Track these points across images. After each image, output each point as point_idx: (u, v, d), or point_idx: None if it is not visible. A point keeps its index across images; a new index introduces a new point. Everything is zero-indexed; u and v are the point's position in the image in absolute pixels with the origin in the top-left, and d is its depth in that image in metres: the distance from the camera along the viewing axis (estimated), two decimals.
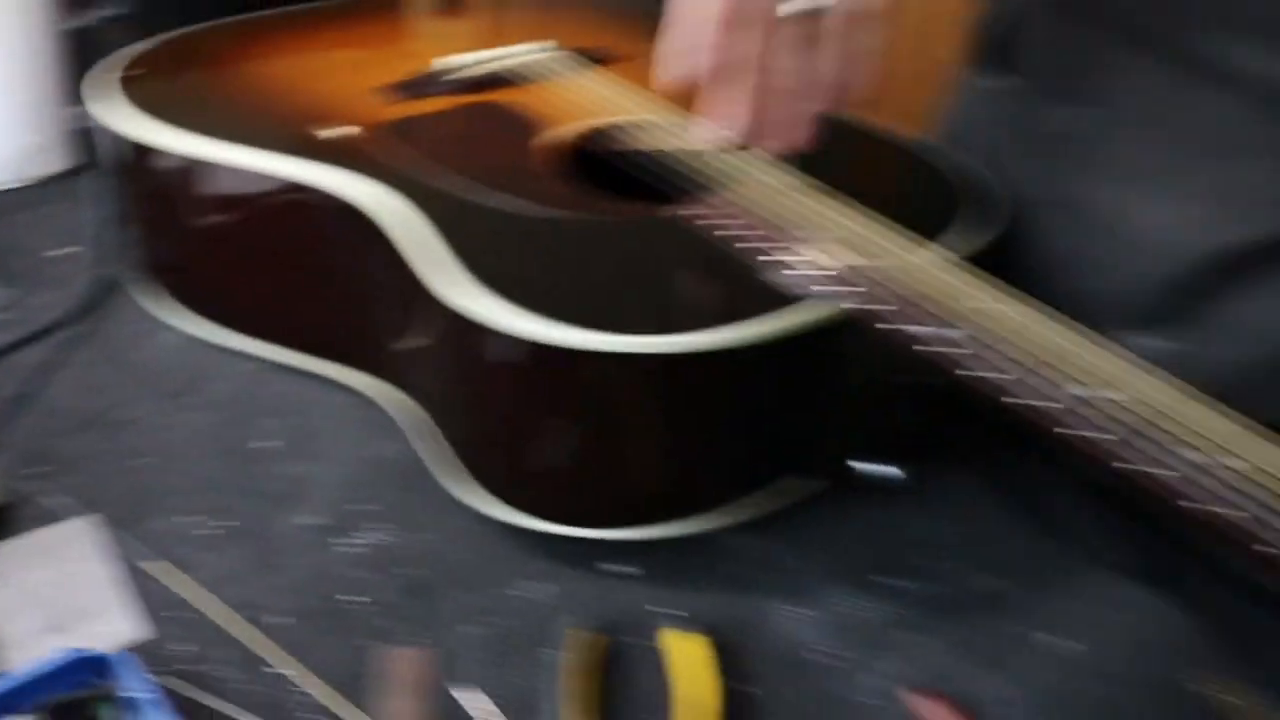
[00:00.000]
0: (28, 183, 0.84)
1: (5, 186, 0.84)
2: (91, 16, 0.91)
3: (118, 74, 0.69)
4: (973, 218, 0.57)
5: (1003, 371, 0.43)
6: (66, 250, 0.76)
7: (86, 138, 0.86)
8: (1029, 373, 0.42)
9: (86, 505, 0.55)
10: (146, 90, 0.66)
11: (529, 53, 0.71)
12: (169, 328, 0.68)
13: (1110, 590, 0.54)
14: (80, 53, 0.87)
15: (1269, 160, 0.53)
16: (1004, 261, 0.62)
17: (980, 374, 0.43)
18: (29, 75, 0.83)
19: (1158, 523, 0.44)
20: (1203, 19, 0.54)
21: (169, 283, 0.68)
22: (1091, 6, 0.60)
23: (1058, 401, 0.41)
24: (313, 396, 0.63)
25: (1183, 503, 0.37)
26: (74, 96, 0.86)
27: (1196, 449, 0.38)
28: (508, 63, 0.70)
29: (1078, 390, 0.41)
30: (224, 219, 0.62)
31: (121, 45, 0.88)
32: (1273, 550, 0.35)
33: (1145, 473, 0.38)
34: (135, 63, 0.71)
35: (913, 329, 0.45)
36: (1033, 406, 0.41)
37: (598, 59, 0.71)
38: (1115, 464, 0.39)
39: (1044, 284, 0.62)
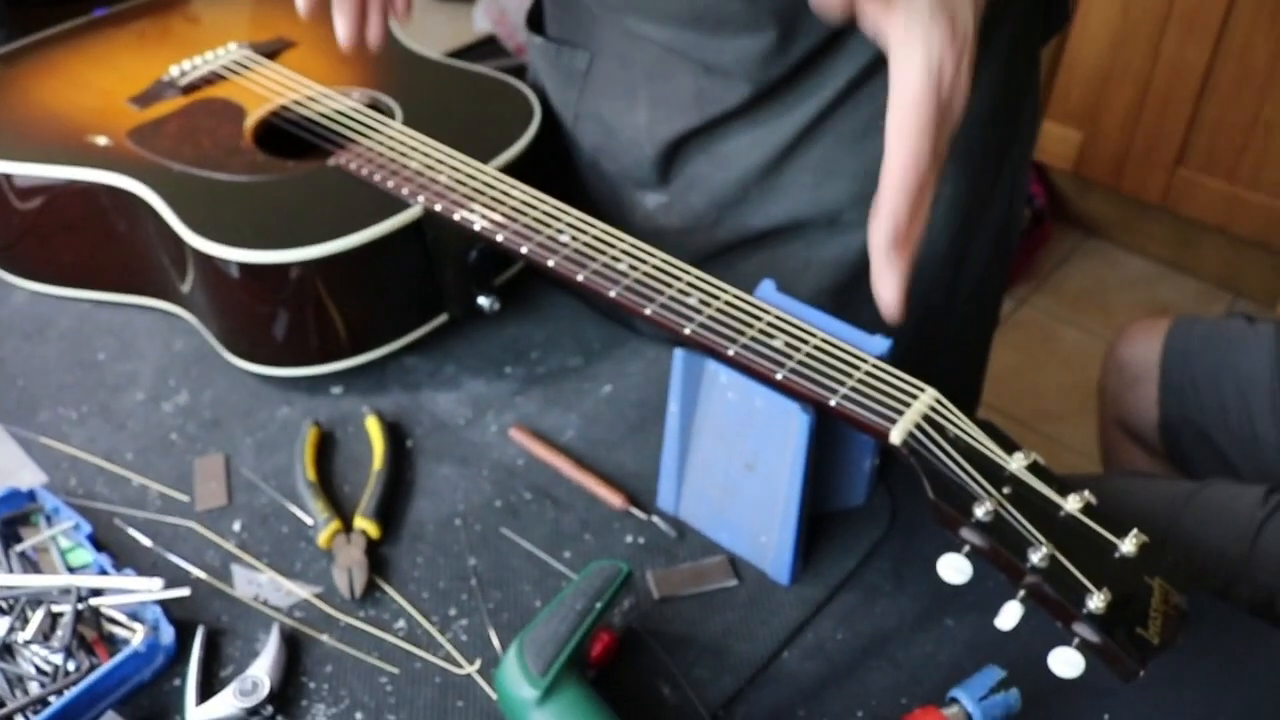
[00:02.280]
0: None
1: None
2: None
3: None
4: (519, 130, 0.89)
5: (514, 238, 0.75)
6: None
7: None
8: (523, 234, 0.75)
9: None
10: None
11: (224, 54, 1.00)
12: (18, 289, 0.96)
13: (638, 349, 0.88)
14: None
15: (677, 79, 0.85)
16: (559, 156, 0.95)
17: (501, 241, 0.75)
18: None
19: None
20: (630, 6, 0.85)
21: (9, 259, 0.96)
22: None
23: (542, 247, 0.74)
24: (129, 319, 0.92)
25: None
26: None
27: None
28: (212, 65, 0.98)
29: (556, 236, 0.74)
30: (39, 209, 0.90)
31: None
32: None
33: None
34: None
35: (465, 217, 0.77)
36: (525, 253, 0.74)
37: (271, 51, 1.00)
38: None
39: (591, 167, 0.95)
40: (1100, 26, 2.30)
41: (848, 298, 0.92)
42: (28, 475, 0.80)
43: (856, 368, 0.66)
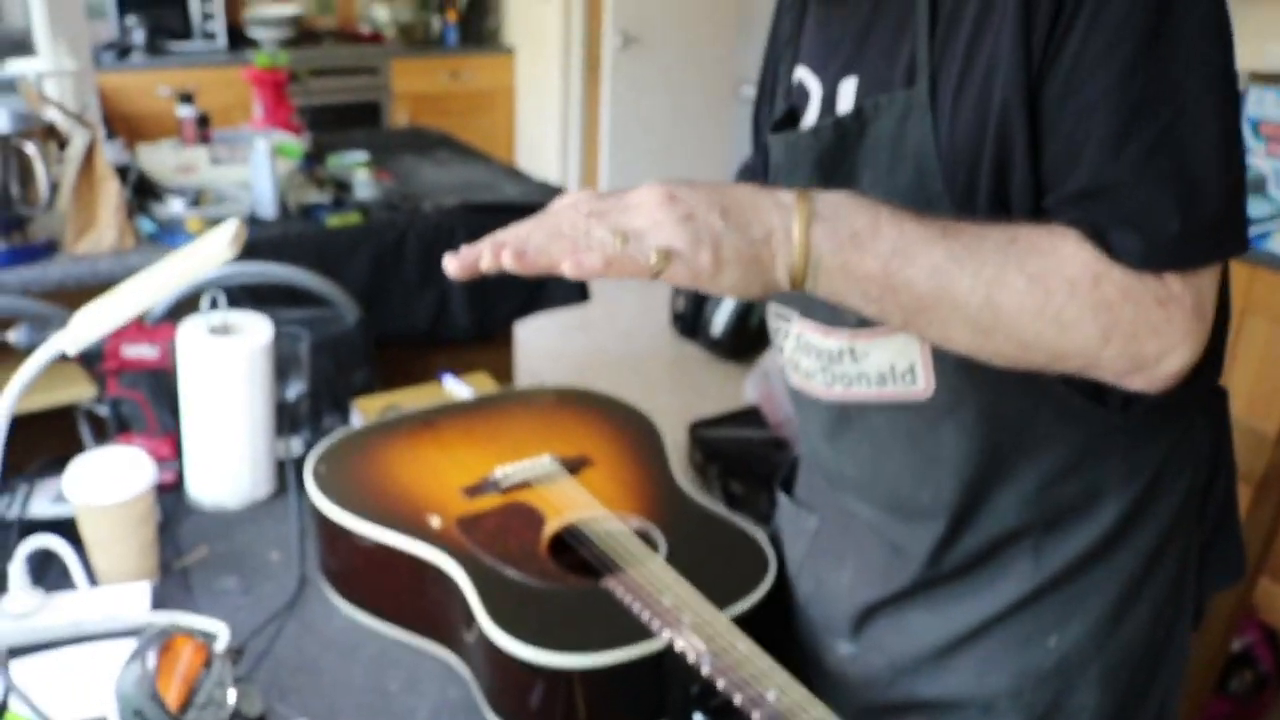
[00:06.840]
0: (250, 504, 1.41)
1: (238, 508, 1.40)
2: (290, 394, 1.50)
3: (312, 465, 1.25)
4: (753, 584, 1.09)
5: (730, 686, 0.94)
6: (277, 554, 1.32)
7: (282, 470, 1.43)
8: (738, 684, 0.93)
9: (301, 711, 1.09)
10: (325, 479, 1.23)
11: (538, 465, 1.27)
12: (341, 612, 1.22)
13: None
14: (281, 414, 1.45)
15: (873, 553, 1.05)
16: (782, 595, 1.14)
17: (720, 687, 0.94)
18: (255, 433, 1.39)
19: None
20: (851, 486, 1.08)
21: (339, 584, 1.23)
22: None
23: (751, 701, 0.92)
24: (420, 660, 1.16)
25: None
26: (276, 439, 1.43)
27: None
28: (527, 473, 1.25)
29: (763, 692, 0.92)
30: (370, 552, 1.17)
31: (302, 411, 1.46)
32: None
33: None
34: (321, 458, 1.27)
35: (696, 660, 0.97)
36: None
37: (574, 467, 1.26)
38: None
39: (802, 610, 1.14)
40: None
41: None
42: None
43: None
